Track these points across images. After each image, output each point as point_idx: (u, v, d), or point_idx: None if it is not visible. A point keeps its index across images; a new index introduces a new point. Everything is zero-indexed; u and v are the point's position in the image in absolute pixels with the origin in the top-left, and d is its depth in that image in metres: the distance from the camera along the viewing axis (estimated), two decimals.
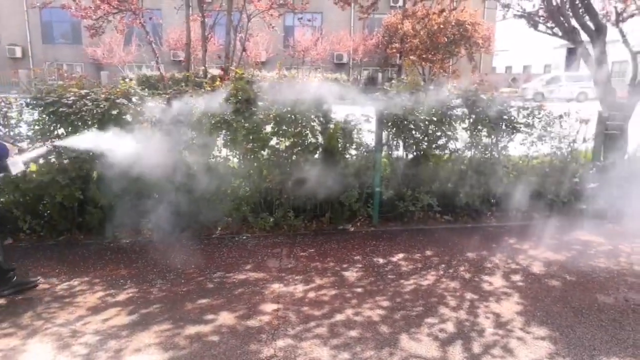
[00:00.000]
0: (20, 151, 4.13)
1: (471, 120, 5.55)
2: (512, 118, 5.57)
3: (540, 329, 3.24)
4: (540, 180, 5.67)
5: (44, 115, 4.67)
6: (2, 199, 4.68)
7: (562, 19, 6.40)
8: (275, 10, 7.50)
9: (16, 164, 3.41)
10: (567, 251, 4.64)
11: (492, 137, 5.56)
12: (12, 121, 4.75)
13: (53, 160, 4.67)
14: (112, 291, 3.71)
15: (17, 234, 4.74)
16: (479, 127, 5.54)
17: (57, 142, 4.33)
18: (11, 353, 2.88)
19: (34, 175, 4.63)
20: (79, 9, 6.51)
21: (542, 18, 6.90)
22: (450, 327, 3.24)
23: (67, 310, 3.39)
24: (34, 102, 4.67)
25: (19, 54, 31.16)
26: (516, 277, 4.04)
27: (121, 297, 3.61)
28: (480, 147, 5.60)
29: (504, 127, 5.56)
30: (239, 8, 7.05)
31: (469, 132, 5.58)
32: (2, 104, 4.75)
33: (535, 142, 5.72)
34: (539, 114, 5.68)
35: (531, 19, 6.95)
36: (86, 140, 4.36)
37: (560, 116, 5.70)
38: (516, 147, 5.74)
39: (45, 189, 4.56)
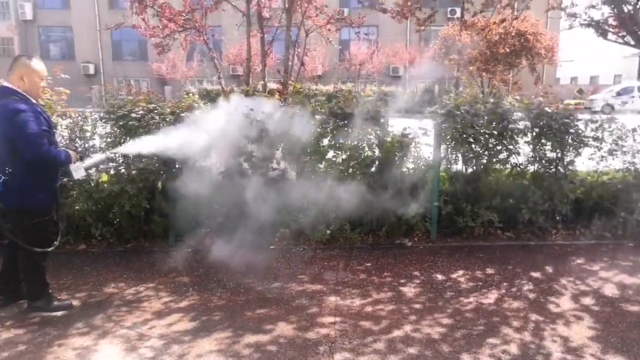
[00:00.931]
0: (81, 158, 4.41)
1: (534, 133, 5.35)
2: (580, 131, 5.33)
3: (615, 357, 3.04)
4: (611, 197, 5.37)
5: (115, 128, 4.95)
6: (77, 207, 4.98)
7: (634, 27, 6.08)
8: (333, 25, 7.59)
9: (78, 170, 3.61)
10: None
11: (557, 151, 5.33)
12: (87, 134, 5.07)
13: (122, 171, 4.94)
14: (175, 297, 3.84)
15: (89, 240, 5.02)
16: (543, 140, 5.33)
17: (115, 149, 4.53)
18: (85, 352, 3.05)
19: (106, 185, 4.91)
20: (148, 28, 6.87)
21: (611, 27, 6.58)
22: (514, 348, 3.11)
23: (134, 314, 3.55)
24: (107, 116, 4.97)
25: (92, 70, 33.36)
26: (586, 300, 3.82)
27: (184, 303, 3.74)
28: (544, 161, 5.38)
29: (570, 140, 5.32)
30: (297, 24, 7.18)
31: (531, 145, 5.38)
32: (79, 118, 5.09)
33: (606, 157, 5.43)
34: (610, 127, 5.39)
35: (600, 28, 6.65)
36: (142, 145, 4.53)
37: (634, 129, 5.39)
38: (584, 162, 5.47)
39: (115, 198, 4.82)
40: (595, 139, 5.38)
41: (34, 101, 3.37)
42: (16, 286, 3.64)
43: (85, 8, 32.75)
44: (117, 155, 4.67)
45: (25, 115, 3.19)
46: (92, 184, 4.92)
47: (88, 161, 4.02)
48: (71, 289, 3.99)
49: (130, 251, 4.91)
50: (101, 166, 4.79)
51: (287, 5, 6.60)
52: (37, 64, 3.39)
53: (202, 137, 4.70)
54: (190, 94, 5.54)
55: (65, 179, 3.60)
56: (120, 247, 4.98)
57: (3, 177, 3.25)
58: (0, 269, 3.64)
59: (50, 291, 3.67)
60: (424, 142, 5.25)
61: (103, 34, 32.36)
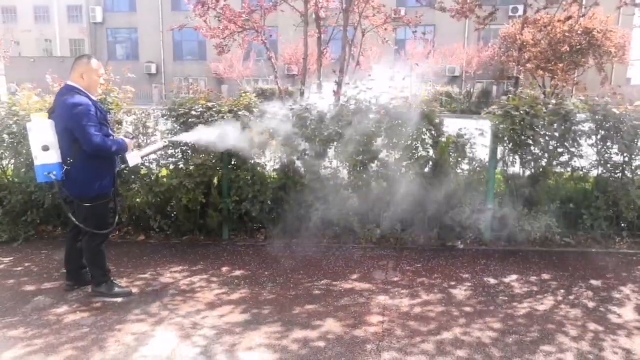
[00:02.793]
0: (139, 146, 4.63)
1: (599, 136, 5.09)
2: None
3: None
4: None
5: (176, 125, 5.16)
6: (137, 200, 5.24)
7: None
8: (389, 25, 7.54)
9: (134, 157, 3.82)
10: None
11: (625, 154, 5.05)
12: (149, 130, 5.32)
13: (181, 166, 5.15)
14: (227, 289, 3.97)
15: (148, 231, 5.27)
16: (609, 143, 5.06)
17: (172, 138, 4.72)
18: (142, 337, 3.21)
19: (165, 179, 5.13)
20: (209, 29, 7.09)
21: None
22: (570, 358, 2.99)
23: (189, 303, 3.70)
24: (168, 113, 5.19)
25: (154, 70, 34.89)
26: None
27: (235, 296, 3.85)
28: (609, 165, 5.11)
29: (639, 144, 5.02)
30: (354, 24, 7.19)
31: (596, 148, 5.12)
32: (142, 115, 5.35)
33: None
34: None
35: None
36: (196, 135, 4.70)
37: None
38: None
39: (173, 192, 5.03)
40: None
41: (92, 96, 3.61)
42: (80, 271, 3.90)
43: (150, 10, 34.31)
44: (173, 143, 4.86)
45: (82, 108, 3.43)
46: (153, 178, 5.16)
47: (145, 149, 4.24)
48: (131, 277, 4.21)
49: (186, 243, 5.11)
50: (160, 153, 5.02)
51: (344, 6, 6.61)
52: (95, 63, 3.66)
53: (255, 134, 4.81)
54: (247, 93, 5.67)
55: (123, 166, 3.82)
56: (176, 239, 5.19)
57: (65, 167, 3.49)
58: (65, 255, 3.91)
59: (112, 278, 3.89)
60: (480, 142, 5.13)
61: (165, 35, 33.76)
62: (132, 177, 5.14)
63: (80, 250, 3.82)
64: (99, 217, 3.70)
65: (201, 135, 4.62)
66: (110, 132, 3.74)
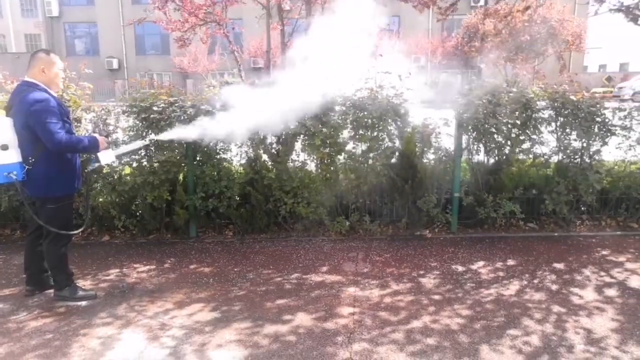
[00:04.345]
0: (115, 144, 4.50)
1: (558, 123, 5.23)
2: (606, 120, 5.18)
3: (639, 349, 2.97)
4: (639, 187, 5.22)
5: (137, 122, 5.02)
6: (101, 199, 5.09)
7: None
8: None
9: (108, 156, 3.71)
10: None
11: (583, 140, 5.21)
12: (110, 127, 5.15)
13: (145, 163, 5.02)
14: (195, 288, 3.90)
15: (112, 231, 5.14)
16: (568, 130, 5.21)
17: (152, 136, 4.60)
18: (108, 341, 3.12)
19: (129, 178, 5.00)
20: (169, 22, 6.92)
21: None
22: (535, 340, 3.07)
23: (156, 304, 3.62)
24: (129, 109, 5.04)
25: (115, 65, 33.92)
26: (610, 292, 3.74)
27: (204, 294, 3.79)
28: (569, 151, 5.26)
29: (596, 129, 5.18)
30: (317, 15, 7.15)
31: (556, 135, 5.27)
32: (102, 112, 5.18)
33: (634, 146, 5.27)
34: (638, 115, 5.23)
35: (630, 13, 6.43)
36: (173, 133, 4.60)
37: None
38: (611, 151, 5.33)
39: (137, 190, 4.90)
40: (623, 127, 5.22)
41: (53, 92, 3.47)
42: (41, 275, 3.76)
43: (109, 3, 33.27)
44: (155, 142, 4.74)
45: (43, 104, 3.29)
46: (116, 177, 5.02)
47: (122, 148, 4.11)
48: (95, 279, 4.09)
49: (152, 242, 5.00)
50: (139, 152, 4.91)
51: None
52: (55, 56, 3.54)
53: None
54: (212, 87, 5.56)
55: (96, 164, 3.69)
56: (142, 238, 5.08)
57: (26, 167, 3.35)
58: (25, 260, 3.76)
59: (75, 281, 3.77)
60: (445, 132, 5.19)
61: (126, 29, 32.81)
62: (95, 176, 4.98)
63: (41, 253, 3.68)
64: (63, 218, 3.58)
65: (185, 132, 4.52)
66: (72, 129, 3.61)
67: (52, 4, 33.82)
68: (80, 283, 3.89)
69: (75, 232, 3.74)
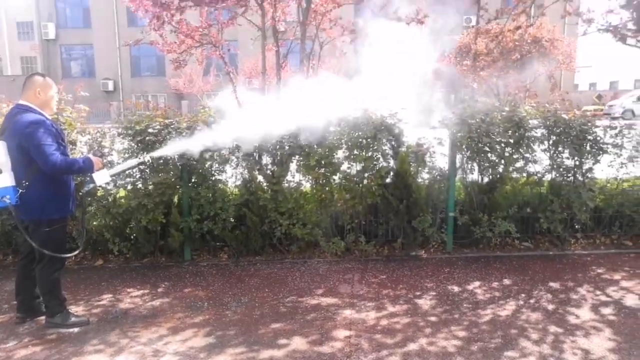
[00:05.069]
0: (109, 164, 4.49)
1: (551, 141, 5.28)
2: (598, 138, 5.23)
3: None
4: (632, 205, 5.25)
5: (133, 144, 5.02)
6: (95, 223, 5.06)
7: None
8: (347, 37, 7.62)
9: (102, 176, 3.69)
10: None
11: (575, 158, 5.24)
12: (105, 150, 5.15)
13: (140, 185, 5.01)
14: (190, 312, 3.86)
15: (106, 255, 5.10)
16: (560, 148, 5.25)
17: (146, 155, 4.58)
18: None
19: (123, 200, 4.97)
20: (165, 44, 6.97)
21: (631, 31, 6.46)
22: None
23: (150, 329, 3.57)
24: (125, 132, 5.05)
25: (111, 87, 34.08)
26: (607, 311, 3.73)
27: (198, 318, 3.75)
28: (562, 169, 5.29)
29: (588, 148, 5.23)
30: (311, 37, 7.23)
31: (549, 153, 5.30)
32: (97, 134, 5.18)
33: (626, 164, 5.31)
34: (629, 133, 5.29)
35: (618, 33, 6.53)
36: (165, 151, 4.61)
37: None
38: (603, 169, 5.37)
39: (132, 213, 4.88)
40: (615, 145, 5.27)
41: (47, 115, 3.48)
42: (32, 302, 3.71)
43: (105, 26, 33.56)
44: (149, 162, 4.75)
45: (38, 126, 3.30)
46: (110, 199, 5.00)
47: (116, 167, 4.11)
48: (88, 305, 4.04)
49: (146, 266, 4.95)
50: (133, 171, 4.90)
51: (301, 19, 6.64)
52: (50, 80, 3.57)
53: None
54: (207, 109, 5.59)
55: (91, 185, 3.68)
56: (136, 262, 5.03)
57: (20, 190, 3.33)
58: (17, 286, 3.71)
59: (68, 307, 3.72)
60: (439, 152, 5.21)
61: (122, 51, 33.08)
62: (89, 199, 4.96)
63: (33, 279, 3.64)
64: (57, 242, 3.55)
65: (177, 148, 4.53)
66: (67, 151, 3.61)
67: (49, 27, 34.10)
68: (73, 309, 3.84)
69: (70, 255, 3.72)
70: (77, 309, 3.89)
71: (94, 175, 3.63)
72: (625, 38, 6.58)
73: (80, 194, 3.98)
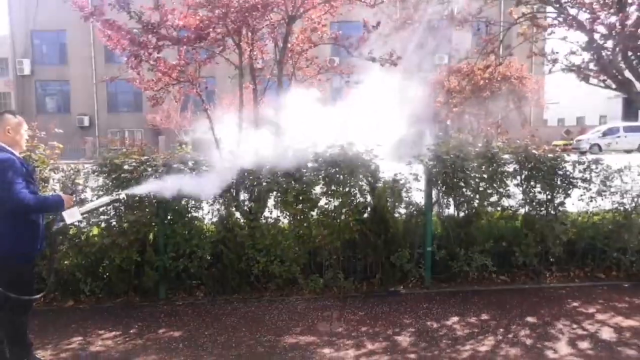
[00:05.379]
0: (82, 202, 4.39)
1: (523, 176, 5.41)
2: (568, 173, 5.39)
3: None
4: (603, 237, 5.38)
5: (107, 181, 4.95)
6: (66, 262, 4.91)
7: (614, 71, 6.27)
8: (323, 75, 7.78)
9: (73, 214, 3.59)
10: None
11: (547, 193, 5.38)
12: (79, 187, 5.06)
13: (114, 223, 4.91)
14: (164, 354, 3.74)
15: (77, 296, 4.92)
16: (532, 183, 5.39)
17: (121, 193, 4.49)
18: None
19: (96, 239, 4.86)
20: (142, 81, 7.00)
21: (592, 71, 6.77)
22: None
23: None
24: (99, 169, 4.98)
25: (86, 123, 33.71)
26: (584, 345, 3.76)
27: None
28: (535, 203, 5.42)
29: (559, 182, 5.38)
30: (288, 75, 7.36)
31: (521, 188, 5.43)
32: (71, 171, 5.10)
33: (595, 198, 5.47)
34: (597, 167, 5.46)
35: (581, 73, 6.84)
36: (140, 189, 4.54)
37: (620, 170, 5.45)
38: (574, 202, 5.51)
39: (105, 251, 4.76)
40: (584, 180, 5.43)
41: (17, 153, 3.42)
42: None
43: (82, 62, 33.42)
44: (121, 197, 4.65)
45: (6, 164, 3.23)
46: (83, 238, 4.88)
47: (88, 204, 4.01)
48: (57, 349, 3.87)
49: (119, 306, 4.80)
50: (107, 208, 4.80)
51: (278, 57, 6.77)
52: (20, 119, 3.52)
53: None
54: (183, 146, 5.59)
55: (61, 224, 3.58)
56: (109, 302, 4.88)
57: None
58: None
59: (34, 352, 3.56)
60: (415, 187, 5.29)
61: (99, 87, 32.93)
62: (60, 237, 4.83)
63: None
64: (24, 283, 3.41)
65: (152, 186, 4.47)
66: (37, 189, 3.53)
67: (25, 63, 33.82)
68: (40, 353, 3.68)
69: (37, 296, 3.56)
70: (44, 354, 3.73)
71: (64, 213, 3.54)
72: (588, 78, 6.89)
73: (52, 231, 3.88)
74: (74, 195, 3.83)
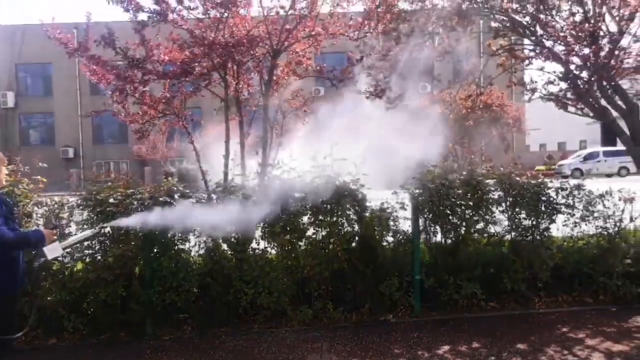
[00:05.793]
0: (65, 236, 4.32)
1: (508, 203, 5.48)
2: (551, 199, 5.47)
3: None
4: (588, 262, 5.43)
5: (92, 215, 4.90)
6: (49, 298, 4.79)
7: (591, 100, 6.46)
8: (309, 107, 7.90)
9: (54, 250, 3.52)
10: (629, 339, 4.31)
11: (532, 219, 5.44)
12: (63, 221, 5.00)
13: (99, 257, 4.83)
14: None
15: (61, 333, 4.79)
16: (517, 209, 5.45)
17: (106, 226, 4.42)
18: None
19: (80, 274, 4.77)
20: (128, 115, 7.02)
21: (570, 100, 6.98)
22: None
23: None
24: (84, 203, 4.93)
25: (71, 154, 33.42)
26: None
27: None
28: (520, 229, 5.47)
29: (543, 208, 5.45)
30: (274, 106, 7.47)
31: (507, 214, 5.49)
32: (55, 205, 5.04)
33: (579, 223, 5.55)
34: (579, 193, 5.56)
35: (559, 101, 7.05)
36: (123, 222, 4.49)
37: (602, 195, 5.55)
38: (559, 228, 5.58)
39: (90, 286, 4.67)
40: (567, 205, 5.51)
41: None
42: None
43: (67, 94, 33.34)
44: (103, 230, 4.59)
45: None
46: (67, 273, 4.79)
47: (70, 239, 3.94)
48: None
49: (104, 343, 4.69)
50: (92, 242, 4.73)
51: (264, 90, 6.87)
52: (0, 154, 3.47)
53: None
54: (169, 178, 5.57)
55: (42, 259, 3.50)
56: (93, 339, 4.75)
57: None
58: None
59: None
60: (402, 215, 5.31)
61: (84, 119, 32.80)
62: (43, 273, 4.72)
63: None
64: (3, 322, 3.33)
65: (138, 219, 4.43)
66: (16, 226, 3.48)
67: (8, 95, 33.64)
68: None
69: (16, 335, 3.45)
70: None
71: (45, 249, 3.47)
72: (566, 106, 7.09)
73: (34, 267, 3.80)
74: (56, 230, 3.78)
